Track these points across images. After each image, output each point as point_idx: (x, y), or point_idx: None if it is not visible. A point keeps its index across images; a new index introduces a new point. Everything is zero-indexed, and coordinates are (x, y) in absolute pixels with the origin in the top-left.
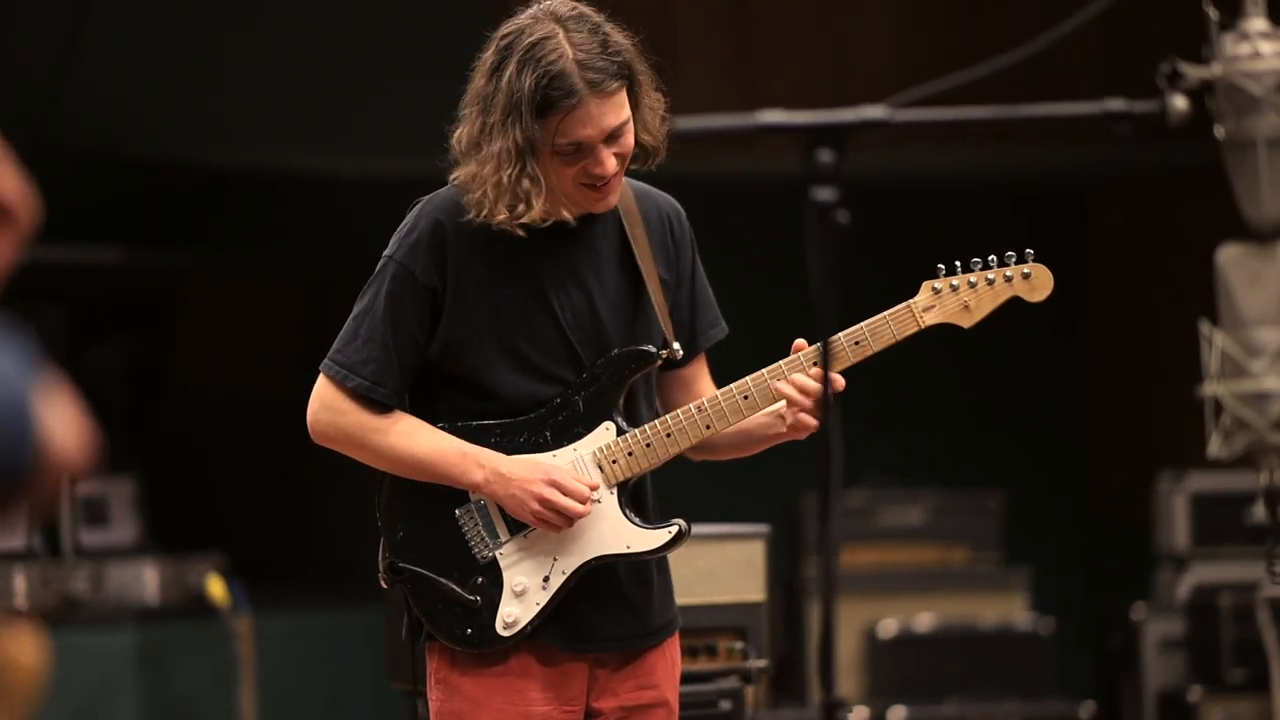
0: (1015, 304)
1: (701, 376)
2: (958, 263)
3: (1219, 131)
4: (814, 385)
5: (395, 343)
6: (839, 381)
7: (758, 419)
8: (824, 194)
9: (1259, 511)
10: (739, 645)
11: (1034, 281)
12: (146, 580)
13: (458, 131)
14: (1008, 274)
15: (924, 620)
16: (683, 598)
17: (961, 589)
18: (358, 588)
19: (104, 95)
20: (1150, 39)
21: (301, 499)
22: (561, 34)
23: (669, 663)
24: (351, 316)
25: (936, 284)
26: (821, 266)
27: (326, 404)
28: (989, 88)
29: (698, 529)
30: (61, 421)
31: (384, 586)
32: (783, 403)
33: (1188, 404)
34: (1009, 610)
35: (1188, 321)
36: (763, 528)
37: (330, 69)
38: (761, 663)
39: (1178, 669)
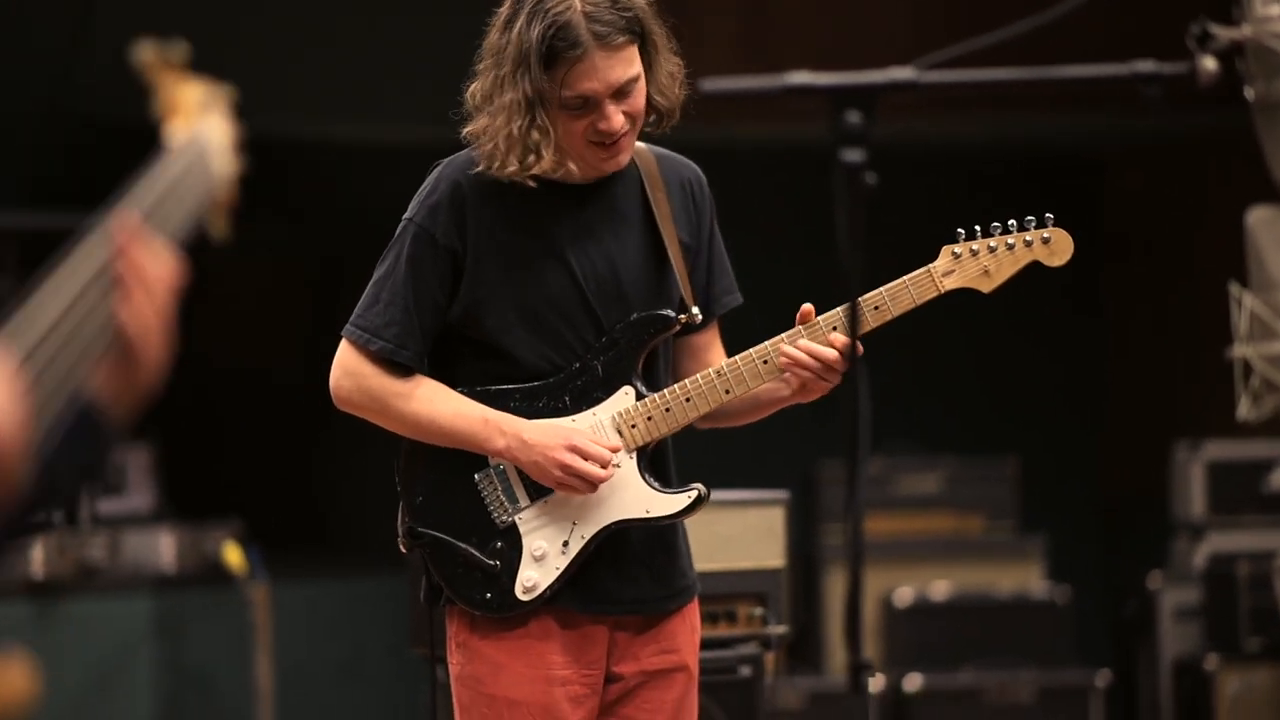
0: (1033, 270)
1: (714, 344)
2: (977, 228)
3: (1249, 93)
4: (826, 351)
5: (417, 305)
6: (836, 346)
7: (767, 384)
8: (852, 155)
9: (1277, 478)
10: (759, 611)
11: (1054, 246)
12: (163, 548)
13: (472, 86)
14: (1027, 239)
15: (940, 588)
16: (702, 564)
17: (978, 557)
18: (374, 555)
19: (119, 63)
20: (1173, 3)
21: (318, 466)
22: None
23: (689, 628)
24: (373, 281)
25: (956, 249)
26: (850, 228)
27: (349, 369)
28: (1009, 55)
29: (718, 495)
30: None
31: (403, 551)
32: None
33: (1206, 371)
34: (1025, 578)
35: (1208, 289)
36: (783, 494)
37: (346, 40)
38: (781, 629)
39: (1194, 638)
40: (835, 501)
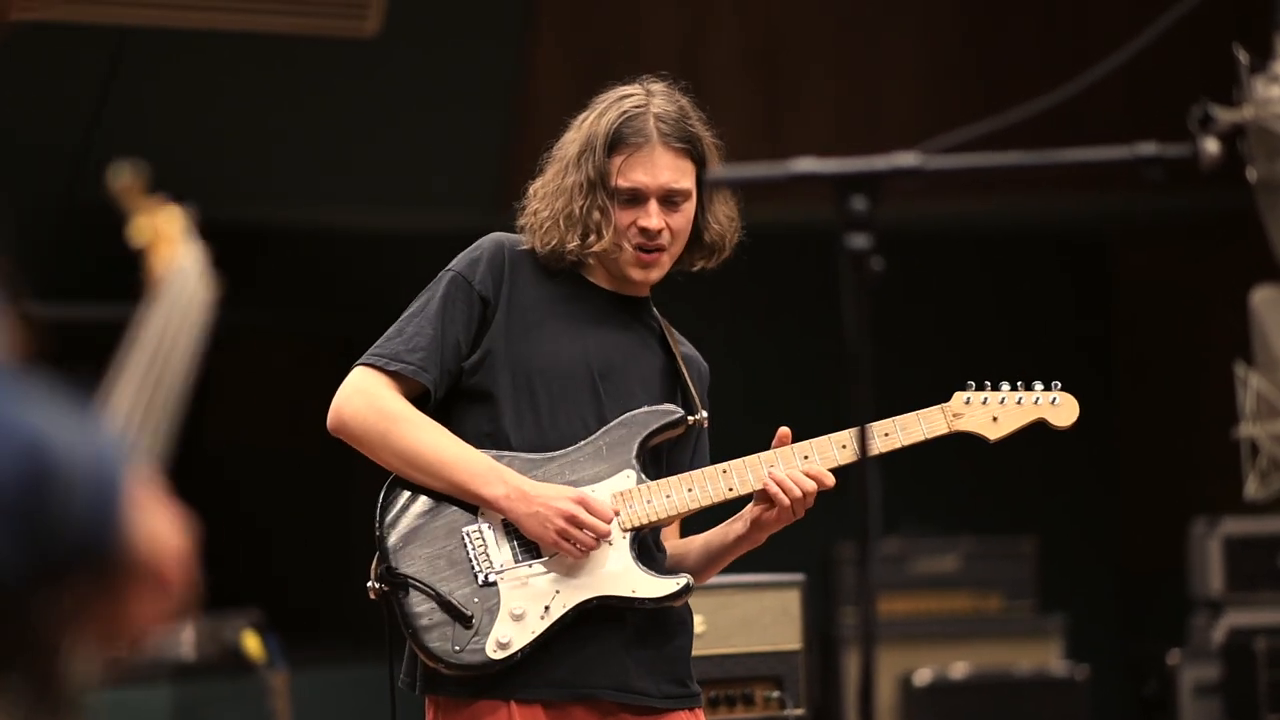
0: (1046, 341)
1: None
2: (987, 383)
3: (1251, 174)
4: (807, 482)
5: (443, 340)
6: (828, 479)
7: (721, 531)
8: (858, 241)
9: None
10: (775, 694)
11: (1061, 408)
12: (182, 637)
13: (535, 183)
14: (1036, 398)
15: (959, 668)
16: (719, 647)
17: (996, 636)
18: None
19: (136, 153)
20: (1174, 85)
21: (336, 553)
22: (649, 96)
23: None
24: (399, 320)
25: (968, 395)
26: (855, 313)
27: (360, 388)
28: (1016, 137)
29: (734, 578)
30: (159, 524)
31: (371, 598)
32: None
33: (1221, 448)
34: (1044, 657)
35: (1219, 367)
36: (798, 576)
37: (365, 128)
38: (799, 711)
39: (1214, 714)
40: (852, 582)
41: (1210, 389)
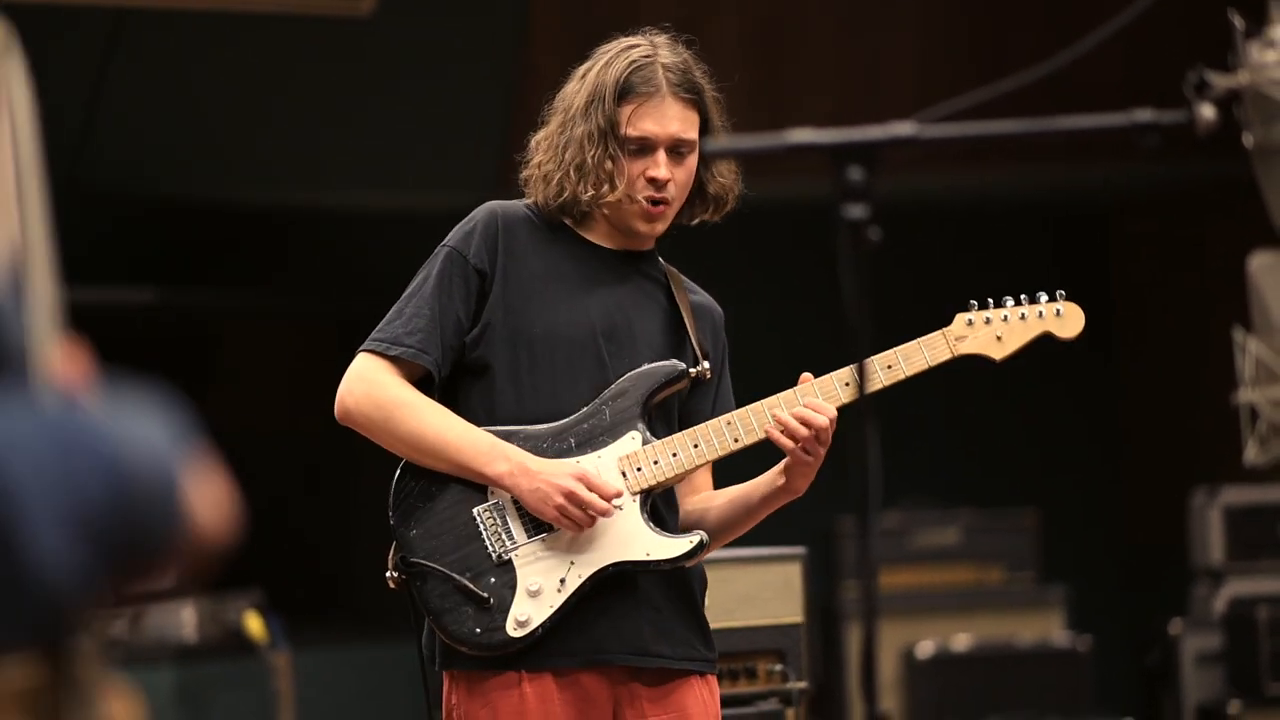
0: (1045, 337)
1: (705, 469)
2: (990, 299)
3: (1247, 140)
4: (818, 418)
5: (441, 318)
6: (827, 408)
7: (756, 482)
8: (855, 211)
9: None
10: (778, 667)
11: (1065, 318)
12: (184, 618)
13: (538, 135)
14: (1040, 310)
15: (961, 640)
16: (721, 621)
17: (998, 608)
18: (396, 622)
19: (134, 136)
20: (1170, 53)
21: (338, 533)
22: (655, 48)
23: (701, 704)
24: (398, 301)
25: (970, 316)
26: (854, 284)
27: (363, 376)
28: (1012, 108)
29: (736, 552)
30: (205, 498)
31: (391, 587)
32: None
33: (1221, 418)
34: (1046, 628)
35: (1218, 336)
36: (800, 550)
37: (364, 108)
38: (801, 684)
39: (1216, 683)
40: (854, 556)
41: (1210, 357)
